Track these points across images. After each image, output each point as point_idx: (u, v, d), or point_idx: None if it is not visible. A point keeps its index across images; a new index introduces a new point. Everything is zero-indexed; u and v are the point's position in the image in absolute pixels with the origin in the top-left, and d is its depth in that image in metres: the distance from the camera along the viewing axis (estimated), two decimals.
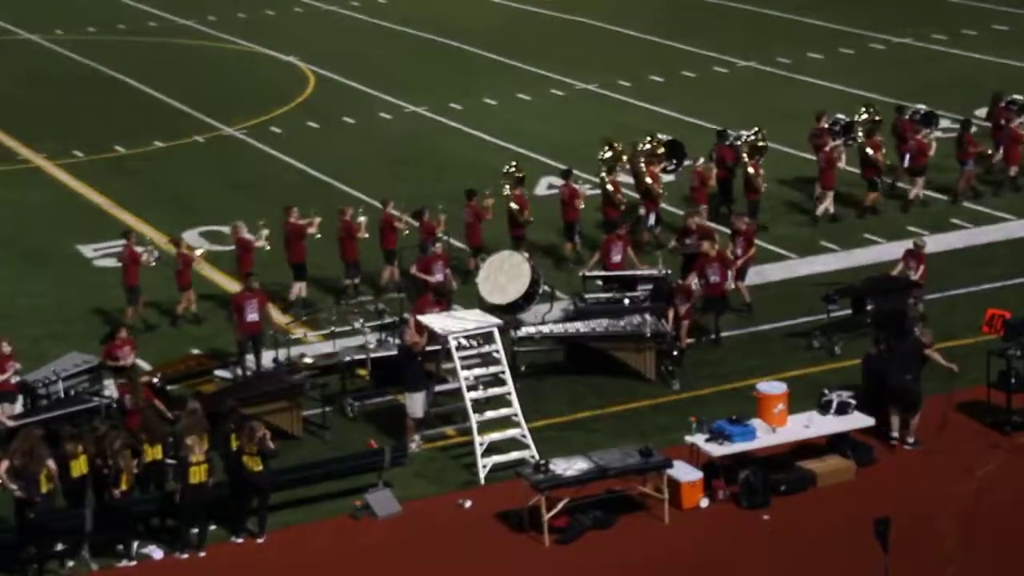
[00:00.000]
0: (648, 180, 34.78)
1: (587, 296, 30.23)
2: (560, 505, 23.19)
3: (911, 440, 25.35)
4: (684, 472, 23.93)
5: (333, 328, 29.17)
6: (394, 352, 27.51)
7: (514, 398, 25.77)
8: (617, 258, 30.95)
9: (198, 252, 32.37)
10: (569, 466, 23.52)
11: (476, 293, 30.25)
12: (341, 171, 41.09)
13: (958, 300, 30.77)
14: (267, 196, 39.35)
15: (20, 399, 27.11)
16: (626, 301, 29.49)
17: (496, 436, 25.48)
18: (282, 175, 41.55)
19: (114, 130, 46.25)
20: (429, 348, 26.54)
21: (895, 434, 25.37)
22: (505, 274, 30.31)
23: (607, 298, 29.96)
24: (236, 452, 23.66)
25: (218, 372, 28.29)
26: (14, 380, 26.97)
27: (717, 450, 24.20)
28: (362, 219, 32.43)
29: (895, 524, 20.62)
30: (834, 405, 25.02)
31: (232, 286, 32.54)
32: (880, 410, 25.35)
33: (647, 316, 28.53)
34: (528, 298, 30.35)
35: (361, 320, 29.11)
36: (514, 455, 25.23)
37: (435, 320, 26.79)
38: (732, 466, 24.19)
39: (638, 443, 24.33)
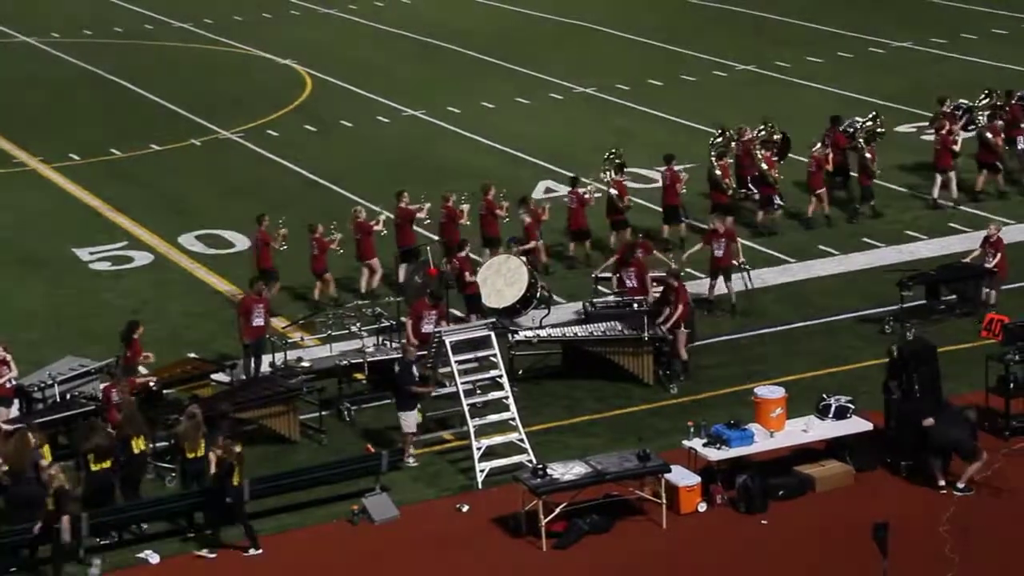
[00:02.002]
0: (764, 166, 35.39)
1: (596, 300, 30.17)
2: (558, 510, 23.17)
3: (961, 485, 23.96)
4: (682, 477, 23.89)
5: (330, 332, 29.12)
6: (391, 356, 27.54)
7: (511, 402, 25.73)
8: (631, 283, 30.33)
9: (337, 236, 32.33)
10: (567, 470, 23.49)
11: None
12: (338, 175, 41.07)
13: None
14: (264, 200, 39.31)
15: (16, 403, 27.02)
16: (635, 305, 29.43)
17: (494, 440, 25.44)
18: (279, 179, 41.50)
19: (110, 133, 46.19)
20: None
21: (942, 482, 24.13)
22: (503, 278, 30.30)
23: (616, 302, 29.87)
24: (227, 465, 23.46)
25: (214, 376, 28.20)
26: (8, 384, 26.87)
27: (715, 454, 24.15)
28: (465, 206, 32.98)
29: (893, 529, 20.64)
30: (832, 409, 24.96)
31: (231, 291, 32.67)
32: (920, 456, 24.41)
33: (645, 320, 28.42)
34: (526, 302, 30.34)
35: (358, 324, 29.06)
36: (512, 459, 25.18)
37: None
38: (730, 471, 24.16)
39: (636, 447, 24.27)
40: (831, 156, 36.04)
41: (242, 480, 23.42)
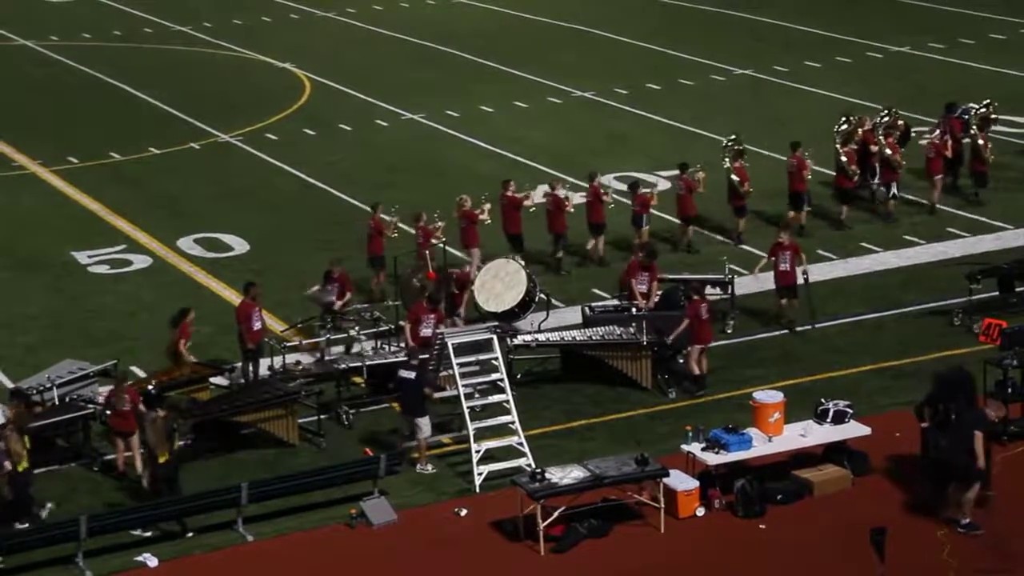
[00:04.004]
0: (888, 151, 35.88)
1: (594, 305, 30.16)
2: (556, 514, 23.14)
3: (964, 521, 22.95)
4: (680, 481, 23.87)
5: (328, 336, 29.11)
6: (389, 360, 27.58)
7: (511, 406, 25.71)
8: (643, 288, 30.00)
9: (440, 224, 32.56)
10: (565, 474, 23.47)
11: (472, 301, 30.32)
12: (337, 178, 41.07)
13: (954, 309, 30.66)
14: (262, 203, 39.38)
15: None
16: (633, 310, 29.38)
17: (492, 444, 25.43)
18: (278, 182, 41.50)
19: (109, 136, 46.17)
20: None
21: (948, 513, 23.33)
22: (501, 282, 30.31)
23: (614, 306, 29.83)
24: None
25: (213, 380, 28.20)
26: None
27: (713, 459, 24.12)
28: (570, 194, 33.77)
29: (891, 533, 20.68)
30: (830, 414, 24.95)
31: (229, 294, 32.63)
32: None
33: (643, 324, 28.41)
34: (524, 306, 30.35)
35: (356, 328, 29.06)
36: (510, 463, 25.17)
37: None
38: (728, 475, 24.12)
39: (634, 452, 24.25)
40: (950, 143, 36.47)
41: None
